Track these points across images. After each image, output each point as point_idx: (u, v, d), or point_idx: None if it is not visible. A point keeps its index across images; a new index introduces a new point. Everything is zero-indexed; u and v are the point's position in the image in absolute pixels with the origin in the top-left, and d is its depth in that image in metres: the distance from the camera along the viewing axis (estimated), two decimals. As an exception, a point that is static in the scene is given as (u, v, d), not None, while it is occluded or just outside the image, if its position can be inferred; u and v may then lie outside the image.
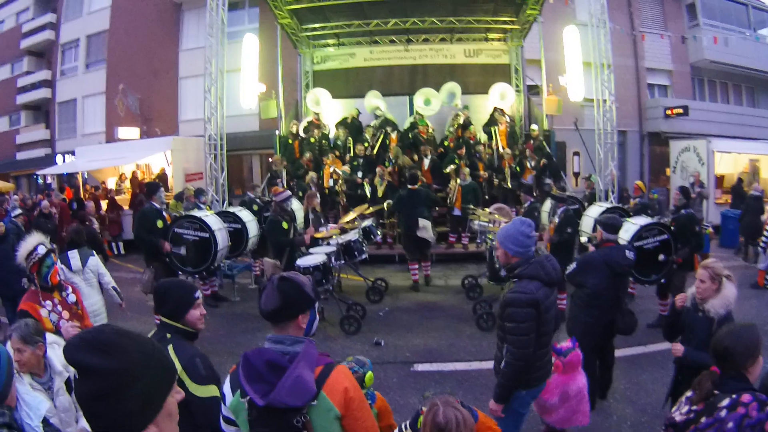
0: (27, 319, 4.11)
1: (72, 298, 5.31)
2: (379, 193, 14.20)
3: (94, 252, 8.04)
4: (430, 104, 17.95)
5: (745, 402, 2.97)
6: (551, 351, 4.67)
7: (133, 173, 21.06)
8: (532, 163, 15.28)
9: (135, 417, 1.67)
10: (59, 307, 5.10)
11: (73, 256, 7.60)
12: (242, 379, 2.51)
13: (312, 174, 14.30)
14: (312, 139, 16.93)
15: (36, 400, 3.68)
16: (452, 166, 14.67)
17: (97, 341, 1.64)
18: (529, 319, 4.08)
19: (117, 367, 1.61)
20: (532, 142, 16.02)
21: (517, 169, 15.13)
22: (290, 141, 17.14)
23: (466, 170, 13.68)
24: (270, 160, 19.35)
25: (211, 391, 3.24)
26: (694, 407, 3.23)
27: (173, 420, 1.80)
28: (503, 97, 18.31)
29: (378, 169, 14.45)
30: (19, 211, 12.30)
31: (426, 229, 11.84)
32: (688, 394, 3.36)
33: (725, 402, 3.04)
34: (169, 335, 3.41)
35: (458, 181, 13.77)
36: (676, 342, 4.84)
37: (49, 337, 4.09)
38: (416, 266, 12.14)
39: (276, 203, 9.84)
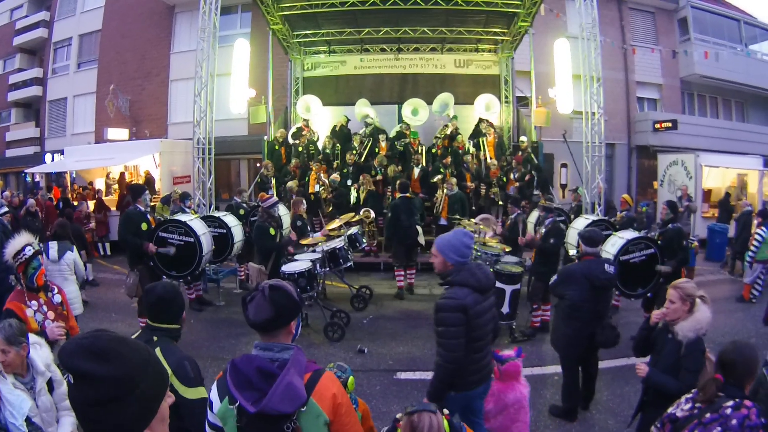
0: (11, 319, 4.10)
1: (57, 298, 5.30)
2: (361, 200, 14.29)
3: (75, 248, 8.91)
4: (418, 114, 18.05)
5: (748, 406, 3.27)
6: (489, 357, 4.74)
7: (121, 174, 20.97)
8: (516, 175, 15.36)
9: (132, 422, 1.68)
10: (45, 308, 5.09)
11: (53, 246, 8.46)
12: (231, 386, 2.52)
13: (291, 183, 14.26)
14: (300, 148, 16.96)
15: (19, 399, 3.69)
16: (439, 176, 14.70)
17: (95, 347, 1.64)
18: (458, 324, 4.21)
19: (116, 373, 1.61)
20: (520, 153, 16.08)
21: (504, 179, 15.16)
22: (276, 147, 17.17)
23: (453, 180, 13.66)
24: (259, 165, 19.37)
25: (200, 392, 3.29)
26: (698, 404, 3.48)
27: (166, 423, 1.82)
28: (488, 108, 18.36)
29: (361, 177, 14.48)
30: (5, 209, 12.20)
31: (420, 235, 12.11)
32: (689, 395, 3.62)
33: (730, 403, 3.31)
34: (155, 338, 3.45)
35: (445, 191, 13.78)
36: (643, 362, 4.71)
37: (32, 337, 4.10)
38: (402, 273, 12.22)
39: (263, 209, 9.84)
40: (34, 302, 5.05)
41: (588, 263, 6.33)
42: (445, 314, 4.25)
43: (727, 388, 3.42)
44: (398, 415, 3.17)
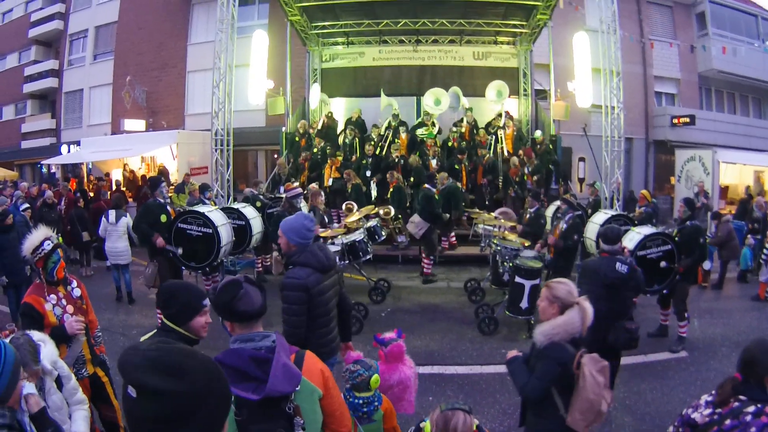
0: (18, 340, 4.02)
1: (77, 292, 5.23)
2: (388, 194, 14.19)
3: (128, 215, 11.84)
4: (440, 104, 17.93)
5: None
6: (335, 332, 4.89)
7: (131, 173, 21.08)
8: (530, 168, 15.35)
9: None
10: (64, 301, 5.02)
11: (111, 213, 11.57)
12: None
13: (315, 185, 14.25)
14: (315, 149, 16.82)
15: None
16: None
17: (163, 362, 1.58)
18: (299, 302, 4.42)
19: (185, 390, 1.55)
20: (538, 147, 16.03)
21: (524, 177, 15.06)
22: (297, 138, 17.13)
23: (443, 174, 13.32)
24: (276, 156, 19.39)
25: None
26: (718, 410, 3.27)
27: None
28: (500, 94, 18.32)
29: (388, 175, 14.40)
30: (27, 205, 12.35)
31: (414, 223, 12.06)
32: (708, 398, 3.40)
33: (751, 408, 3.12)
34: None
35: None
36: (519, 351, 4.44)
37: (36, 335, 4.00)
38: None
39: (286, 198, 9.86)
40: (53, 296, 4.98)
41: (601, 260, 6.31)
42: (287, 293, 4.45)
43: (747, 389, 3.24)
44: (421, 424, 3.24)
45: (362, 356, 4.62)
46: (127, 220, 11.57)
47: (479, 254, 12.37)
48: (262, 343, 2.63)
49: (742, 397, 3.20)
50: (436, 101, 17.98)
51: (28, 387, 3.51)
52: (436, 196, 12.23)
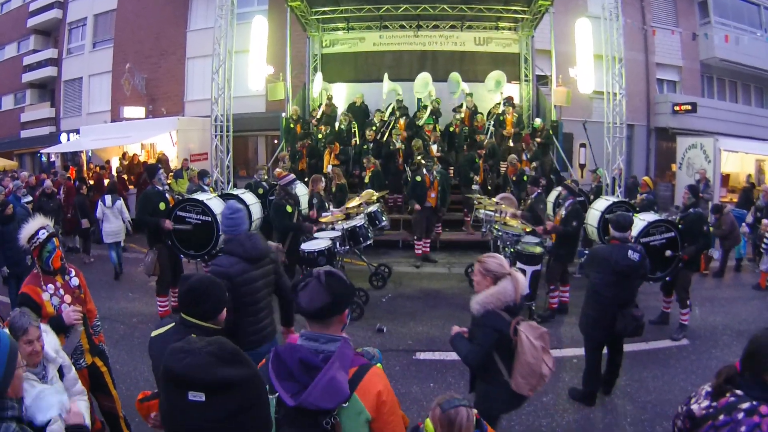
0: (22, 308, 3.99)
1: (75, 281, 5.18)
2: (366, 179, 14.10)
3: (122, 199, 13.23)
4: (427, 87, 17.83)
5: (763, 413, 2.86)
6: (269, 320, 4.95)
7: (133, 156, 21.03)
8: (529, 155, 15.32)
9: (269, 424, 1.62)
10: (61, 291, 4.97)
11: (108, 197, 12.83)
12: (272, 375, 2.44)
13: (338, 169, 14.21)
14: (320, 136, 16.69)
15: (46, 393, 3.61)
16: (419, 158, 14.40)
17: (224, 352, 1.57)
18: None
19: (252, 373, 1.54)
20: (538, 134, 15.97)
21: (524, 178, 14.84)
22: (291, 125, 17.03)
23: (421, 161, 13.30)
24: (276, 141, 19.37)
25: None
26: (714, 403, 3.08)
27: None
28: (499, 84, 18.21)
29: (364, 160, 14.39)
30: (29, 198, 12.40)
31: None
32: (708, 388, 3.18)
33: (745, 405, 2.93)
34: (194, 336, 3.31)
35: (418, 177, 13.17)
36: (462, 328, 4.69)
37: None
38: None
39: (280, 187, 9.77)
40: (50, 285, 4.94)
41: (612, 247, 6.24)
42: None
43: (744, 383, 3.01)
44: (420, 426, 3.25)
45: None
46: (121, 203, 12.95)
47: (480, 239, 12.32)
48: (326, 347, 2.52)
49: (738, 392, 2.99)
50: (424, 84, 17.86)
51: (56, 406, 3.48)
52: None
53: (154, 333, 3.49)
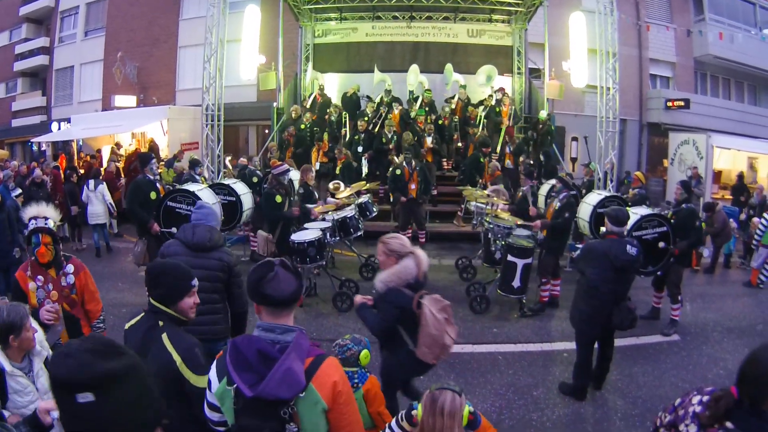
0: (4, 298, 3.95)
1: (70, 279, 5.07)
2: (337, 170, 14.17)
3: (104, 183, 13.99)
4: (417, 78, 17.98)
5: None
6: (220, 312, 5.01)
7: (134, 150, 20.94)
8: (512, 148, 15.41)
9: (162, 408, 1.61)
10: (50, 286, 4.91)
11: (91, 182, 13.65)
12: (230, 366, 2.45)
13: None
14: (302, 125, 16.22)
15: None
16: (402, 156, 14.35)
17: (98, 346, 1.58)
18: None
19: (133, 361, 1.53)
20: (532, 127, 15.97)
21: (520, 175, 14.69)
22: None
23: (399, 158, 13.33)
24: (267, 131, 19.31)
25: None
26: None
27: None
28: (490, 78, 18.25)
29: (336, 151, 14.50)
30: (19, 191, 12.30)
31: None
32: (697, 406, 2.78)
33: None
34: (161, 323, 3.29)
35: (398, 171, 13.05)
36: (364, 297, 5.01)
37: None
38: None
39: (273, 176, 9.72)
40: (40, 277, 4.89)
41: (611, 242, 6.20)
42: None
43: (738, 413, 2.61)
44: (413, 412, 3.22)
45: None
46: (103, 187, 13.76)
47: (471, 231, 12.28)
48: (282, 337, 2.51)
49: (729, 425, 2.60)
50: (414, 75, 17.95)
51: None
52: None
53: (127, 325, 3.45)
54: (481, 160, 14.17)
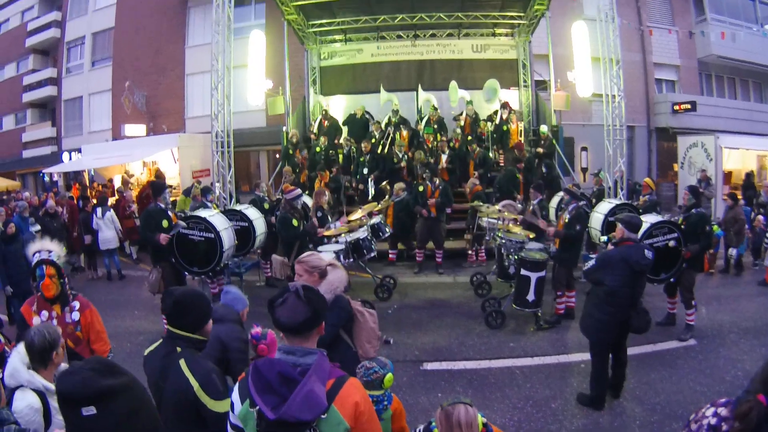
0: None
1: (75, 316, 5.06)
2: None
3: (112, 210, 14.58)
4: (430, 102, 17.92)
5: None
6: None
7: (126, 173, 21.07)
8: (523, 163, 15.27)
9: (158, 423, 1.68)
10: (54, 322, 4.84)
11: (99, 209, 14.12)
12: (252, 389, 2.48)
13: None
14: (318, 149, 16.58)
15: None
16: (385, 182, 14.42)
17: (103, 367, 1.65)
18: None
19: (130, 379, 1.61)
20: (536, 142, 16.01)
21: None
22: (291, 151, 16.76)
23: (401, 185, 13.13)
24: (278, 156, 19.36)
25: (228, 405, 3.19)
26: None
27: None
28: (495, 92, 18.19)
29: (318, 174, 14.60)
30: (38, 227, 12.37)
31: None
32: (713, 421, 2.47)
33: None
34: (179, 348, 3.35)
35: (390, 197, 13.19)
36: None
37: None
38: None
39: (286, 201, 9.85)
40: (44, 312, 4.91)
41: (627, 248, 6.27)
42: None
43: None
44: (432, 426, 3.26)
45: None
46: (112, 214, 14.37)
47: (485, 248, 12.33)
48: (303, 360, 2.55)
49: None
50: (426, 100, 17.97)
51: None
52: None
53: (146, 351, 3.54)
54: (517, 175, 14.17)
